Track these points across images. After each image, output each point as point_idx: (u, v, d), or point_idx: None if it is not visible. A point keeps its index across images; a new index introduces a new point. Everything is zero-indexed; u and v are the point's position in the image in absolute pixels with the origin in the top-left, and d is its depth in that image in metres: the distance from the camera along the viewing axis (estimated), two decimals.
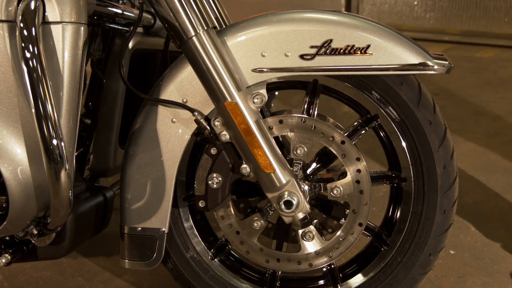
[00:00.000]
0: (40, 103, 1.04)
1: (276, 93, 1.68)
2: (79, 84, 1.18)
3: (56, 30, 1.10)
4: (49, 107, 1.05)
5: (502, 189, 2.52)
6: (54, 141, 1.06)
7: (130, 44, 1.64)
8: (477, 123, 3.50)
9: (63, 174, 1.09)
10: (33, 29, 1.05)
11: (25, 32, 1.04)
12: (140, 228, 1.41)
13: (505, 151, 2.99)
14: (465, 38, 6.09)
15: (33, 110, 1.05)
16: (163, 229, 1.40)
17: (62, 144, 1.07)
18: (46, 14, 1.10)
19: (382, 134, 1.48)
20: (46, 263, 1.91)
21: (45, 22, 1.10)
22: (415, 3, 6.72)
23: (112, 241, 2.06)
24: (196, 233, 1.54)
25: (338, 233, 1.42)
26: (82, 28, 1.14)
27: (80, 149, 1.64)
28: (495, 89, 4.27)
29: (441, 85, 4.39)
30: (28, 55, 1.04)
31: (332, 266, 1.52)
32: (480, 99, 4.00)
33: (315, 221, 1.54)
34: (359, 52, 1.29)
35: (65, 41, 1.11)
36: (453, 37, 6.18)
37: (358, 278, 1.50)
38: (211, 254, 1.54)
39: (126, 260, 1.44)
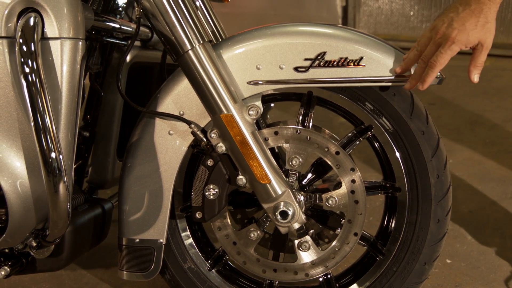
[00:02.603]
0: (39, 117, 1.06)
1: (272, 104, 1.69)
2: (78, 97, 1.20)
3: (54, 45, 1.12)
4: (48, 121, 1.07)
5: (497, 197, 2.54)
6: (53, 154, 1.08)
7: (128, 58, 1.66)
8: (473, 132, 3.53)
9: (61, 187, 1.11)
10: (32, 44, 1.07)
11: (25, 48, 1.06)
12: (138, 240, 1.41)
13: (501, 160, 3.01)
14: None
15: (32, 124, 1.07)
16: (161, 240, 1.41)
17: (61, 157, 1.09)
18: (45, 30, 1.12)
19: (376, 145, 1.50)
20: (45, 275, 1.92)
21: (44, 38, 1.13)
22: (411, 13, 6.77)
23: (111, 253, 2.07)
24: (194, 244, 1.55)
25: (334, 243, 1.43)
26: (80, 43, 1.17)
27: (79, 162, 1.65)
28: (491, 98, 4.30)
29: (437, 95, 4.42)
30: (27, 70, 1.06)
31: (329, 276, 1.53)
32: (476, 108, 4.02)
33: (311, 231, 1.55)
34: (352, 64, 1.32)
35: (64, 56, 1.13)
36: None
37: None
38: (208, 265, 1.55)
39: (124, 272, 1.45)
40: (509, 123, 3.67)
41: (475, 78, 1.25)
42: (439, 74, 1.35)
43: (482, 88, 4.60)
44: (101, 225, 1.55)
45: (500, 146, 3.25)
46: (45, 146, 1.06)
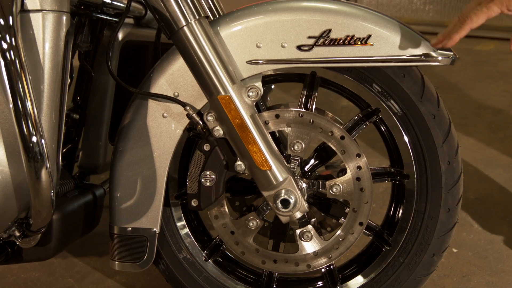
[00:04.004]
0: (18, 98, 0.97)
1: (273, 86, 1.62)
2: (62, 77, 1.11)
3: (35, 19, 1.03)
4: (29, 102, 0.97)
5: (504, 184, 2.47)
6: (34, 138, 0.99)
7: (120, 36, 1.58)
8: (478, 117, 3.44)
9: (43, 173, 1.02)
10: (10, 18, 0.97)
11: (2, 21, 0.97)
12: (130, 228, 1.35)
13: (507, 145, 2.93)
14: None
15: (11, 106, 0.98)
16: (154, 229, 1.34)
17: (43, 141, 1.00)
18: (24, 1, 1.03)
19: (383, 129, 1.42)
20: (35, 264, 1.85)
21: (24, 10, 1.03)
22: None
23: (104, 241, 2.00)
24: (189, 233, 1.48)
25: (338, 232, 1.36)
26: (64, 17, 1.07)
27: (68, 146, 1.58)
28: (496, 82, 4.21)
29: (441, 78, 4.33)
30: (5, 46, 0.96)
31: (331, 266, 1.46)
32: (480, 93, 3.94)
33: (313, 219, 1.48)
34: (359, 43, 1.24)
35: (46, 31, 1.04)
36: None
37: (359, 280, 1.45)
38: (205, 255, 1.48)
39: (116, 262, 1.39)
40: None
41: None
42: (452, 53, 1.27)
43: (487, 72, 4.51)
44: (92, 212, 1.50)
45: (506, 131, 3.17)
46: (25, 129, 0.98)
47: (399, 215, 1.43)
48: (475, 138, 3.07)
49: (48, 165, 1.02)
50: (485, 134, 3.13)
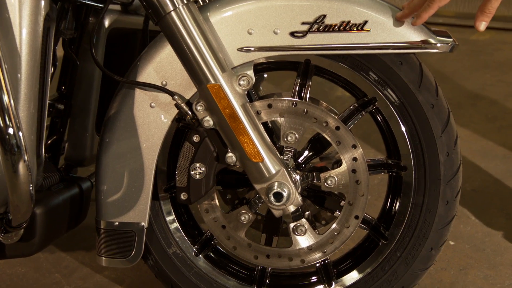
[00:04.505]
0: None
1: (265, 75, 1.56)
2: (43, 65, 1.05)
3: (11, 3, 0.96)
4: (4, 92, 0.91)
5: (502, 175, 2.43)
6: (10, 130, 0.93)
7: (106, 23, 1.51)
8: (474, 107, 3.40)
9: (21, 167, 0.96)
10: None
11: None
12: (117, 223, 1.31)
13: (504, 136, 2.89)
14: (460, 21, 5.94)
15: None
16: (143, 223, 1.30)
17: (20, 133, 0.95)
18: None
19: (379, 119, 1.37)
20: (21, 259, 1.80)
21: None
22: None
23: (92, 234, 1.90)
24: (179, 227, 1.43)
25: (333, 226, 1.31)
26: (43, 1, 1.01)
27: (53, 137, 1.53)
28: (492, 72, 4.17)
29: (435, 68, 4.28)
30: None
31: (326, 261, 1.41)
32: (476, 83, 3.89)
33: (307, 213, 1.43)
34: (355, 29, 1.20)
35: (22, 15, 0.97)
36: (448, 19, 6.04)
37: (354, 275, 1.40)
38: (195, 250, 1.43)
39: (103, 258, 1.35)
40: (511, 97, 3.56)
41: (481, 26, 1.13)
42: (451, 40, 1.23)
43: (483, 61, 4.47)
44: (78, 206, 1.45)
45: (503, 122, 3.13)
46: (0, 120, 0.92)
47: (396, 208, 1.38)
48: (471, 128, 3.03)
49: (26, 158, 0.96)
50: (481, 124, 3.08)
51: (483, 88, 3.77)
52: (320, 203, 1.43)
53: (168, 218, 1.41)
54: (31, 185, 1.01)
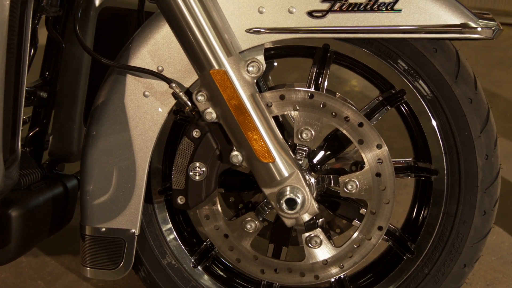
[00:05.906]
0: None
1: (275, 63, 1.42)
2: (19, 45, 0.90)
3: None
4: None
5: None
6: None
7: (97, 1, 1.39)
8: (492, 106, 3.24)
9: None
10: None
11: None
12: (104, 229, 1.20)
13: None
14: None
15: None
16: (133, 230, 1.19)
17: None
18: None
19: (407, 114, 1.23)
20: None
21: None
22: None
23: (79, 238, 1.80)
24: (175, 234, 1.30)
25: (353, 237, 1.15)
26: None
27: (36, 129, 1.41)
28: (508, 69, 4.06)
29: None
30: None
31: (342, 276, 1.25)
32: (492, 80, 3.79)
33: (320, 219, 1.27)
34: (384, 9, 1.06)
35: None
36: None
37: None
38: (193, 261, 1.31)
39: (88, 268, 1.23)
40: None
41: None
42: (495, 23, 1.08)
43: (497, 58, 4.36)
44: (62, 207, 1.38)
45: None
46: None
47: (424, 217, 1.24)
48: None
49: None
50: (500, 124, 2.94)
51: (499, 86, 3.67)
52: (335, 209, 1.27)
53: (163, 224, 1.28)
54: None
